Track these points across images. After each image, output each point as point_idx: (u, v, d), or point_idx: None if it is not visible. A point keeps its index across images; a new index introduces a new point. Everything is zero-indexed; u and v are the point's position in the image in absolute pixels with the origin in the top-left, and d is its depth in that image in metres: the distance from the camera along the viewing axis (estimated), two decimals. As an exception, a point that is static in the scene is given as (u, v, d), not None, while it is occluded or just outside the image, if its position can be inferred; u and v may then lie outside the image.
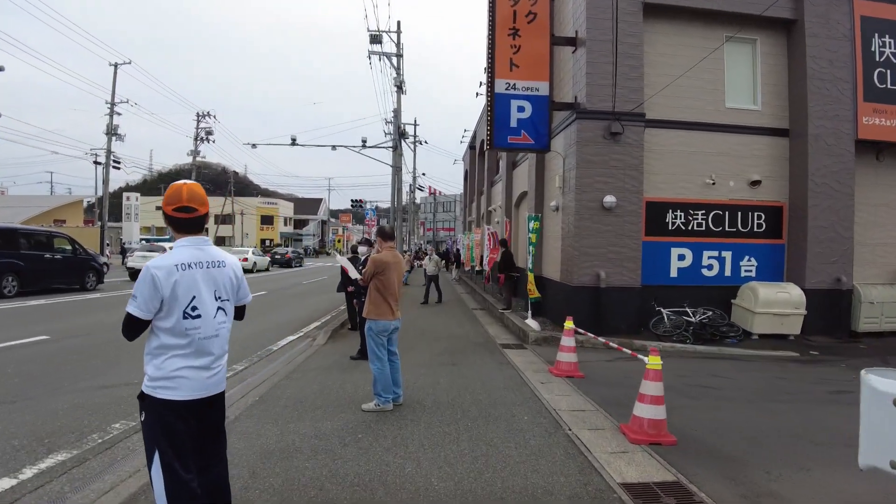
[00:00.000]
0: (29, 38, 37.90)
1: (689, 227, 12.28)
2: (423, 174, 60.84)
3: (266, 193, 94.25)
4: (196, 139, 49.27)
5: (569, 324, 7.50)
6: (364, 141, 24.38)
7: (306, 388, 6.45)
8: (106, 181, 36.86)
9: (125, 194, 63.40)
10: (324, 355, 8.48)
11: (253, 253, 33.95)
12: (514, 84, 11.75)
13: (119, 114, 37.84)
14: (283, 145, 26.96)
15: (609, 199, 11.28)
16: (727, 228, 12.46)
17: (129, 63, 37.51)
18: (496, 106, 11.67)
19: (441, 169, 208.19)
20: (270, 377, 6.97)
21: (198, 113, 48.82)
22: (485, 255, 19.21)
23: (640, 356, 5.54)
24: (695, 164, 12.28)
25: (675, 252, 12.24)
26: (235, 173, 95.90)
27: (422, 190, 52.86)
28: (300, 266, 43.29)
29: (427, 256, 18.90)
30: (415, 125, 46.23)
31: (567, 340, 7.42)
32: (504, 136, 11.70)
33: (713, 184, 12.24)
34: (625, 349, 6.41)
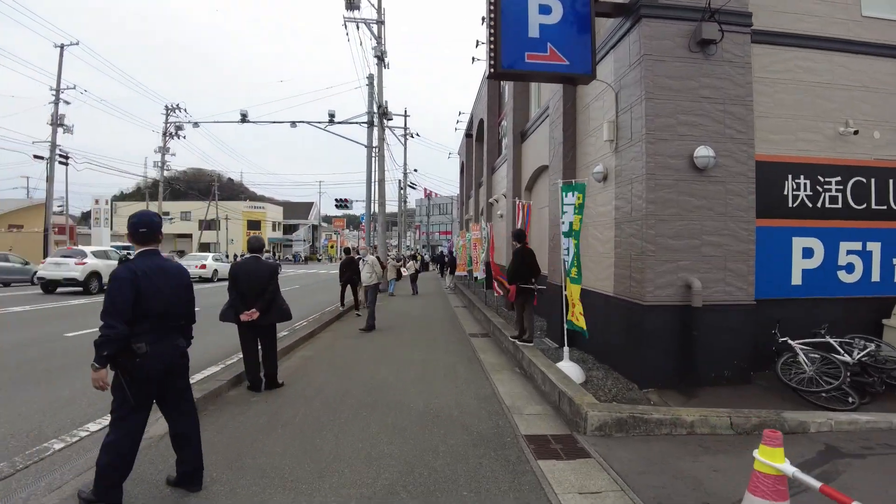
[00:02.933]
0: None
1: (819, 204, 7.54)
2: (416, 170, 55.84)
3: (260, 199, 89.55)
4: (164, 134, 44.50)
5: (775, 458, 2.64)
6: (332, 115, 19.60)
7: None
8: (50, 177, 31.89)
9: (94, 199, 58.94)
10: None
11: (214, 259, 29.07)
12: (534, -30, 7.01)
13: (67, 102, 33.07)
14: (232, 122, 22.09)
15: (703, 152, 6.54)
16: (874, 206, 7.74)
17: (77, 44, 32.73)
18: (504, 4, 6.93)
19: (437, 169, 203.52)
20: None
21: (166, 105, 44.02)
22: (475, 257, 14.35)
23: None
24: (822, 103, 7.58)
25: (797, 244, 7.49)
26: (230, 179, 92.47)
27: (414, 188, 48.04)
28: (277, 273, 38.39)
29: (360, 260, 12.80)
30: (405, 116, 41.68)
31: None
32: (518, 52, 6.93)
33: (855, 132, 7.51)
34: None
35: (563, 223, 7.18)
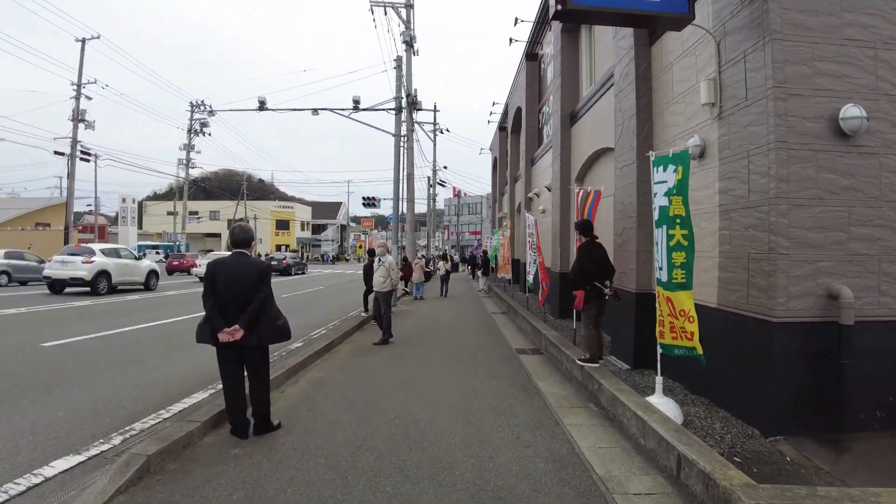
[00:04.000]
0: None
1: None
2: (445, 168, 54.04)
3: (289, 199, 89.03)
4: (189, 131, 43.64)
5: None
6: (356, 102, 18.05)
7: None
8: (71, 174, 31.08)
9: (121, 197, 58.82)
10: None
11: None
12: None
13: (89, 98, 32.22)
14: (250, 111, 20.74)
15: (853, 112, 4.75)
16: None
17: (98, 38, 31.86)
18: (575, -78, 5.22)
19: (465, 167, 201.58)
20: None
21: (191, 102, 43.46)
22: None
23: None
24: None
25: (961, 241, 5.61)
26: (261, 180, 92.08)
27: (444, 185, 46.31)
28: (301, 273, 37.09)
29: (376, 260, 10.01)
30: (434, 111, 40.02)
31: None
32: (594, -15, 5.23)
33: None
34: None
35: (660, 207, 5.39)
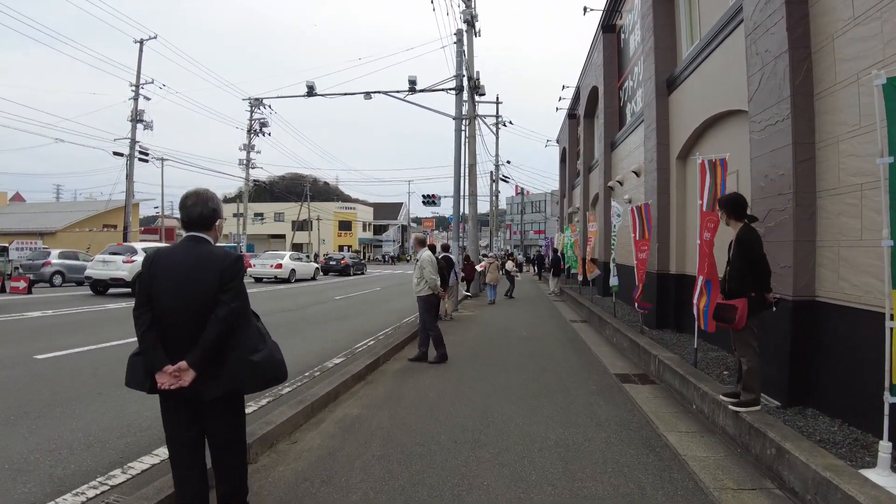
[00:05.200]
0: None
1: None
2: (508, 162, 51.66)
3: (353, 201, 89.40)
4: (249, 131, 43.10)
5: None
6: (413, 83, 16.26)
7: None
8: (130, 175, 30.85)
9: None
10: None
11: (291, 258, 26.68)
12: None
13: (147, 98, 31.93)
14: (298, 97, 19.39)
15: None
16: None
17: (155, 38, 31.51)
18: None
19: (529, 161, 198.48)
20: None
21: (250, 102, 42.49)
22: (590, 254, 10.39)
23: None
24: None
25: None
26: (326, 183, 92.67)
27: (507, 181, 44.22)
28: (360, 273, 35.88)
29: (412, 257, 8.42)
30: (497, 103, 38.07)
31: None
32: None
33: None
34: None
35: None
